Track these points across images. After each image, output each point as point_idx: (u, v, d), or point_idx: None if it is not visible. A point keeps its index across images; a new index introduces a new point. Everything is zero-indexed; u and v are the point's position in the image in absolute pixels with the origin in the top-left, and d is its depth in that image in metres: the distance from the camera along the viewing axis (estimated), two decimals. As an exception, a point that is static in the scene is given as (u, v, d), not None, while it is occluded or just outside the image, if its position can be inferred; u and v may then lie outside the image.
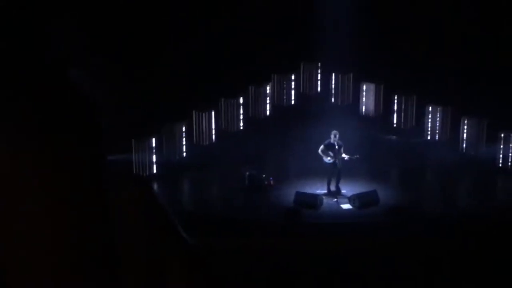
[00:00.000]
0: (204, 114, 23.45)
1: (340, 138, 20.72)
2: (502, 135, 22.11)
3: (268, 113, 25.46)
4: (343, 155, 20.68)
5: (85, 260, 1.67)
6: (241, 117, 24.58)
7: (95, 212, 1.70)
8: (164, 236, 2.04)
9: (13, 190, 1.57)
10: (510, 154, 22.06)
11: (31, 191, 1.59)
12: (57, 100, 1.70)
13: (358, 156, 20.76)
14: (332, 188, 20.75)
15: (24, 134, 1.61)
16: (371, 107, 25.37)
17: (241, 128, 24.61)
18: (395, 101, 24.62)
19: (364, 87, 25.38)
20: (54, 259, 1.62)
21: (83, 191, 1.66)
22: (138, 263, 2.07)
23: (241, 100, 24.56)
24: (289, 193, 20.41)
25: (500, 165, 22.20)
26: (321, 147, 20.72)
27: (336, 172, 20.71)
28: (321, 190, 20.77)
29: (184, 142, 22.90)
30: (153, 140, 21.97)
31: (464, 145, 23.08)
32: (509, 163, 22.07)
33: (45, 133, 1.61)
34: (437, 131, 23.90)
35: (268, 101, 25.44)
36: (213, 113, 23.73)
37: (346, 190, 20.79)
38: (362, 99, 25.51)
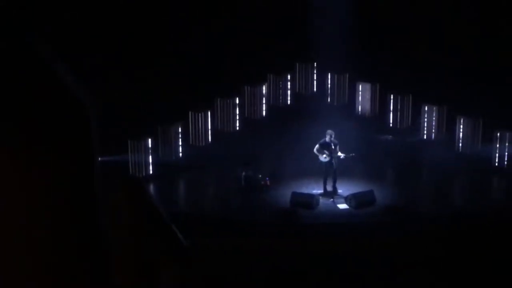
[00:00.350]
0: (200, 115, 23.43)
1: (336, 138, 20.72)
2: (498, 134, 22.11)
3: (264, 113, 25.45)
4: (339, 153, 20.67)
5: (78, 259, 1.66)
6: (237, 117, 24.56)
7: (88, 211, 1.70)
8: (157, 236, 2.04)
9: (5, 190, 1.57)
10: (506, 153, 22.06)
11: (22, 191, 1.58)
12: (52, 101, 1.70)
13: (353, 154, 20.76)
14: (329, 188, 20.75)
15: (18, 134, 1.60)
16: (367, 107, 25.37)
17: (237, 128, 24.60)
18: (391, 100, 24.62)
19: (360, 87, 25.39)
20: (47, 258, 1.61)
21: (75, 191, 1.65)
22: (131, 262, 2.06)
23: (237, 101, 24.54)
24: (286, 194, 20.40)
25: (496, 164, 22.20)
26: (316, 146, 20.72)
27: (332, 171, 20.70)
28: (317, 190, 20.77)
29: (180, 143, 22.87)
30: (149, 140, 21.94)
31: (460, 145, 23.09)
32: (505, 162, 22.07)
33: (40, 133, 1.60)
34: (433, 131, 23.91)
35: (264, 101, 25.43)
36: (209, 113, 23.71)
37: (343, 190, 20.78)
38: (358, 99, 25.51)
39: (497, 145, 22.14)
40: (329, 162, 20.64)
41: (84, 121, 1.69)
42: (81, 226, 1.65)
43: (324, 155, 20.64)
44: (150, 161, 21.86)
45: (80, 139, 1.65)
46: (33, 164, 1.55)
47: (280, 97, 26.01)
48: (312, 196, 20.25)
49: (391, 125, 24.72)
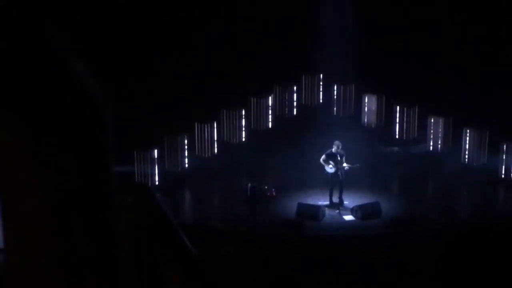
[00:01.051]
0: (206, 126, 23.44)
1: (342, 149, 20.70)
2: (504, 145, 22.07)
3: (270, 124, 25.46)
4: (344, 164, 20.64)
5: (86, 263, 1.66)
6: (243, 128, 24.57)
7: (99, 213, 1.69)
8: (165, 242, 2.03)
9: (18, 190, 1.57)
10: (512, 165, 22.03)
11: (35, 191, 1.58)
12: (62, 99, 1.70)
13: (358, 165, 20.72)
14: (335, 199, 20.71)
15: (31, 134, 1.60)
16: (373, 118, 25.37)
17: (243, 139, 24.61)
18: (397, 112, 24.61)
19: (366, 98, 25.39)
20: (55, 260, 1.61)
21: (87, 193, 1.65)
22: (137, 267, 2.05)
23: (243, 112, 24.56)
24: (291, 205, 20.38)
25: (502, 175, 22.15)
26: (323, 156, 20.70)
27: (338, 183, 20.67)
28: (323, 202, 20.74)
29: (186, 154, 22.88)
30: (155, 151, 21.96)
31: (466, 156, 23.04)
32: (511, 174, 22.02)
33: (51, 133, 1.60)
34: (439, 142, 23.87)
35: (270, 113, 25.44)
36: (215, 124, 23.73)
37: (349, 201, 20.75)
38: (364, 110, 25.51)
39: (504, 157, 22.10)
40: (335, 173, 20.62)
41: (99, 119, 1.69)
42: (91, 229, 1.65)
43: (330, 166, 20.62)
44: (156, 172, 21.86)
45: (95, 139, 1.65)
46: (44, 164, 1.55)
47: (286, 108, 26.02)
48: (318, 207, 20.22)
49: (397, 136, 24.71)
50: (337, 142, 20.70)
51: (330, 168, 20.63)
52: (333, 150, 20.65)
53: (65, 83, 1.73)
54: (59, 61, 1.72)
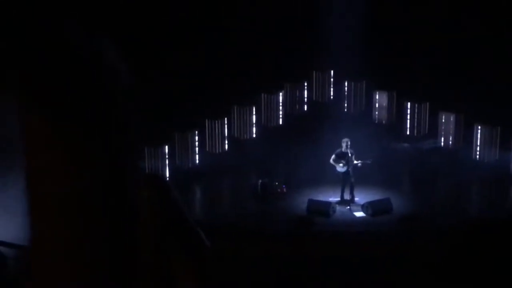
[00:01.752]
0: (217, 122, 23.47)
1: (352, 146, 20.68)
2: (516, 142, 22.02)
3: (280, 121, 25.48)
4: (355, 161, 20.62)
5: (107, 255, 1.67)
6: (254, 125, 24.60)
7: (123, 207, 1.70)
8: (180, 233, 2.02)
9: (43, 178, 1.57)
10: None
11: (60, 180, 1.58)
12: (91, 87, 1.71)
13: (369, 161, 20.69)
14: (347, 196, 20.69)
15: (58, 122, 1.60)
16: (384, 114, 25.34)
17: (254, 136, 24.63)
18: (408, 108, 24.58)
19: (377, 95, 25.37)
20: (78, 253, 1.62)
21: (113, 183, 1.65)
22: (151, 260, 2.05)
23: (254, 108, 24.58)
24: (302, 201, 20.39)
25: (514, 172, 22.10)
26: (333, 156, 20.69)
27: (349, 180, 20.66)
28: (334, 198, 20.74)
29: (196, 150, 22.92)
30: (166, 147, 22.00)
31: (477, 152, 22.99)
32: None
33: (78, 121, 1.61)
34: (450, 138, 23.83)
35: (280, 109, 25.46)
36: (225, 121, 23.76)
37: (359, 197, 20.74)
38: (375, 106, 25.49)
39: (515, 153, 22.04)
40: (346, 171, 20.60)
41: (124, 108, 1.70)
42: (115, 220, 1.66)
43: (341, 165, 20.61)
44: (167, 168, 21.91)
45: (120, 128, 1.66)
46: (71, 153, 1.55)
47: (297, 105, 26.03)
48: (328, 203, 20.22)
49: (408, 133, 24.67)
50: (345, 140, 20.67)
51: (341, 168, 20.63)
52: (343, 149, 20.63)
53: (94, 71, 1.74)
54: (90, 51, 1.74)
